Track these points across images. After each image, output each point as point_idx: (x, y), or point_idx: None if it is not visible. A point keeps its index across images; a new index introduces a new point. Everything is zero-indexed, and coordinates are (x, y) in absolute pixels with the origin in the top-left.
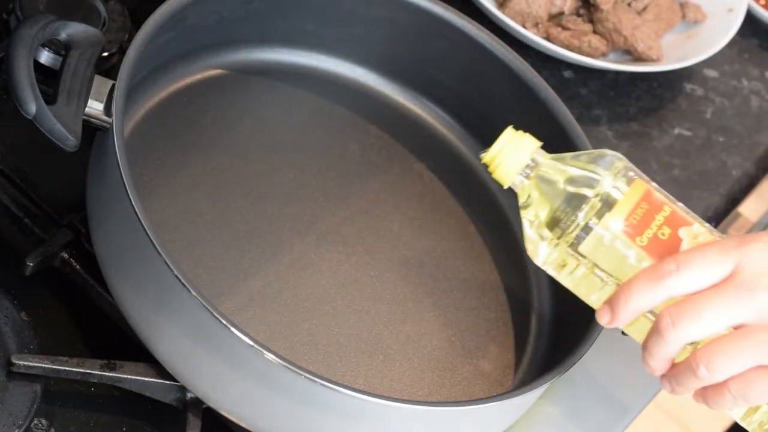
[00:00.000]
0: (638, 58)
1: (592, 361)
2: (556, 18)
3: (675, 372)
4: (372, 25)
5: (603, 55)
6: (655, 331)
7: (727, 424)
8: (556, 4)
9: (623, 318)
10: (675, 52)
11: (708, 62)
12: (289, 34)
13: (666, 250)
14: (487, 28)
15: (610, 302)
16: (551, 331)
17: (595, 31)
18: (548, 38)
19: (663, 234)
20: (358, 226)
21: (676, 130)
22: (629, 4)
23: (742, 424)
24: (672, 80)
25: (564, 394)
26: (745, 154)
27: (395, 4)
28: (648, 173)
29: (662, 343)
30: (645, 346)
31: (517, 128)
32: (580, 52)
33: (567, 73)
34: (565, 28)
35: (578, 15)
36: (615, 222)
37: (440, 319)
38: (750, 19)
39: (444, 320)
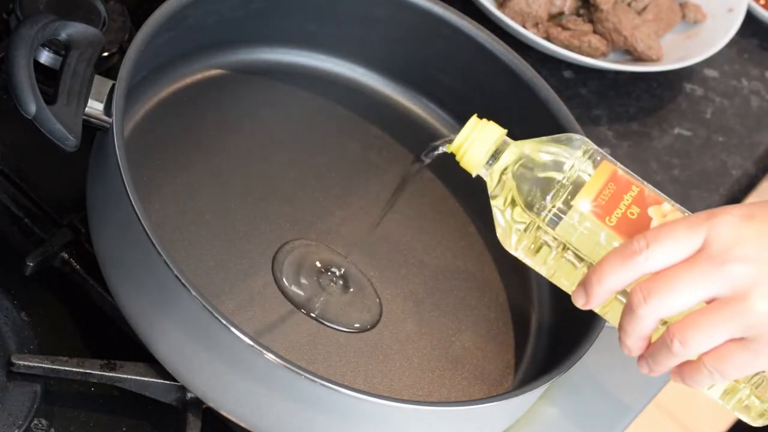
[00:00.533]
0: (638, 58)
1: (592, 361)
2: (556, 18)
3: (651, 351)
4: (372, 25)
5: (603, 55)
6: (628, 308)
7: (727, 425)
8: (556, 4)
9: (597, 298)
10: (675, 52)
11: (708, 62)
12: (289, 34)
13: (636, 229)
14: (487, 28)
15: (584, 283)
16: (551, 331)
17: (595, 31)
18: (548, 38)
19: (632, 213)
20: (358, 226)
21: (676, 130)
22: (629, 4)
23: (722, 403)
24: (672, 80)
25: (564, 394)
26: (745, 154)
27: (395, 4)
28: (648, 173)
29: (636, 319)
30: (620, 325)
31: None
32: (580, 52)
33: (567, 73)
34: (565, 28)
35: (578, 15)
36: (584, 203)
37: (440, 319)
38: (750, 19)
39: (444, 320)
